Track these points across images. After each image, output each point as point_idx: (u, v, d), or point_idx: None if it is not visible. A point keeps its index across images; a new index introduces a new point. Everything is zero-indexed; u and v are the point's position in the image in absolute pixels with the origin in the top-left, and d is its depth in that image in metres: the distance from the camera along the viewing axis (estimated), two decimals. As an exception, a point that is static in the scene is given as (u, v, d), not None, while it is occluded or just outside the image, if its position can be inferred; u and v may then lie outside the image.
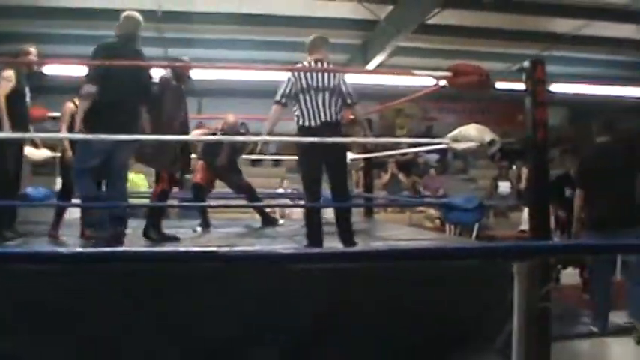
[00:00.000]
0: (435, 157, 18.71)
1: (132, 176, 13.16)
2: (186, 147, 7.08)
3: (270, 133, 6.57)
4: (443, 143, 6.45)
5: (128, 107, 6.02)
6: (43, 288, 4.29)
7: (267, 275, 4.38)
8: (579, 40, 15.40)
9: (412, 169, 18.04)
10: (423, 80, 10.29)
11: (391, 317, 4.76)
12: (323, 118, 6.09)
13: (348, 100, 6.22)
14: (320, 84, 6.12)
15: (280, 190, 13.34)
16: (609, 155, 6.82)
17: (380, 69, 15.99)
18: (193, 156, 8.17)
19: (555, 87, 16.47)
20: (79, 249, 5.34)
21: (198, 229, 8.08)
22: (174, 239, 6.85)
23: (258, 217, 9.05)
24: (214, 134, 8.62)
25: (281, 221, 9.44)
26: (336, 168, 6.30)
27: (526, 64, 5.57)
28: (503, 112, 19.93)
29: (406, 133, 20.03)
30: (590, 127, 7.31)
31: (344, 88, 6.20)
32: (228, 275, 4.43)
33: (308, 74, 6.18)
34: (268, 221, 8.96)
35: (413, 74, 6.91)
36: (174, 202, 11.77)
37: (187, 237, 7.32)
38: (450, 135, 6.17)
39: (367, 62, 15.49)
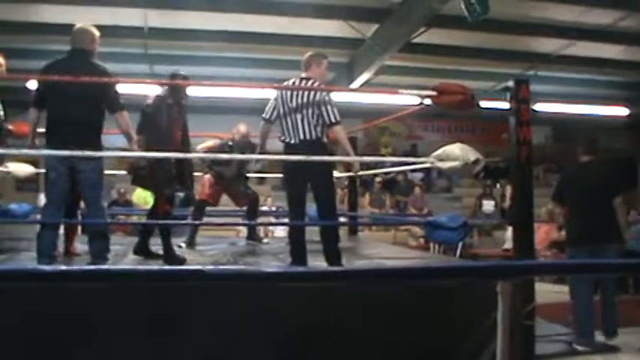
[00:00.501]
0: (419, 175, 18.75)
1: (139, 192, 13.32)
2: (187, 165, 6.90)
3: (262, 149, 6.63)
4: (427, 162, 6.47)
5: (76, 122, 5.73)
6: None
7: (252, 292, 4.38)
8: (563, 59, 15.50)
9: (396, 187, 18.07)
10: (408, 99, 10.36)
11: (374, 336, 4.75)
12: (302, 137, 6.08)
13: (327, 121, 6.13)
14: (301, 102, 6.11)
15: (265, 208, 13.31)
16: (588, 173, 7.02)
17: (365, 87, 16.02)
18: (198, 173, 8.14)
19: (539, 106, 16.55)
20: (62, 267, 5.32)
21: (183, 245, 8.04)
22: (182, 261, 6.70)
23: (242, 235, 9.01)
24: (227, 144, 8.56)
25: (265, 240, 9.42)
26: (321, 187, 6.28)
27: (510, 83, 5.62)
28: (488, 131, 20.05)
29: (391, 152, 20.08)
30: (574, 146, 7.43)
31: (325, 108, 6.12)
32: (214, 293, 4.43)
33: (292, 92, 6.19)
34: (254, 238, 8.95)
35: (398, 93, 6.92)
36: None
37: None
38: (434, 154, 6.18)
39: (353, 80, 15.51)
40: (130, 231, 12.43)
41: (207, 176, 8.68)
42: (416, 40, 13.52)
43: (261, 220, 11.09)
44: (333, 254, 6.08)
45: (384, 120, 10.94)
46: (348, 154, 6.45)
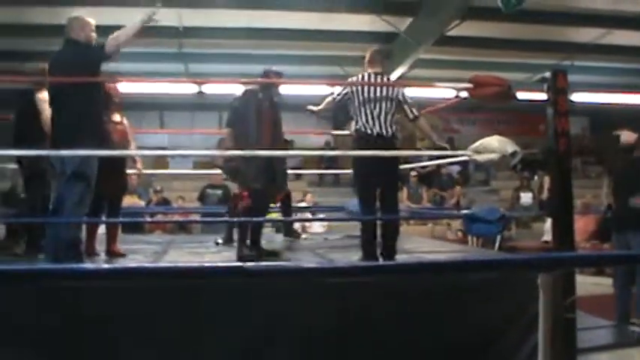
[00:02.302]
0: (456, 168, 18.64)
1: None
2: (278, 161, 6.87)
3: (319, 111, 6.76)
4: (465, 155, 6.43)
5: (61, 117, 5.65)
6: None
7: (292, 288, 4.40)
8: (600, 48, 15.35)
9: (434, 181, 17.98)
10: (444, 92, 10.31)
11: (415, 331, 4.74)
12: (380, 130, 6.08)
13: (410, 116, 6.28)
14: (380, 97, 6.13)
15: (303, 204, 13.30)
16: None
17: (401, 81, 15.98)
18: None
19: (576, 96, 16.39)
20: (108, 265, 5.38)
21: (220, 240, 8.06)
22: (274, 255, 6.69)
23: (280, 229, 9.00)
24: None
25: (304, 235, 9.42)
26: (394, 182, 6.34)
27: (548, 74, 5.55)
28: (525, 123, 19.88)
29: (427, 145, 19.99)
30: (613, 137, 7.41)
31: (406, 104, 6.25)
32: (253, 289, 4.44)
33: (368, 87, 6.20)
34: (292, 234, 8.94)
35: (434, 86, 6.90)
36: (197, 217, 11.87)
37: (210, 251, 7.31)
38: (471, 146, 6.14)
39: (388, 75, 15.49)
40: (169, 229, 12.52)
41: None
42: (450, 33, 13.49)
43: (298, 216, 11.11)
44: (394, 251, 6.11)
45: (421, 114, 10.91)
46: (435, 142, 6.59)
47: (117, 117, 6.87)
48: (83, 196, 5.59)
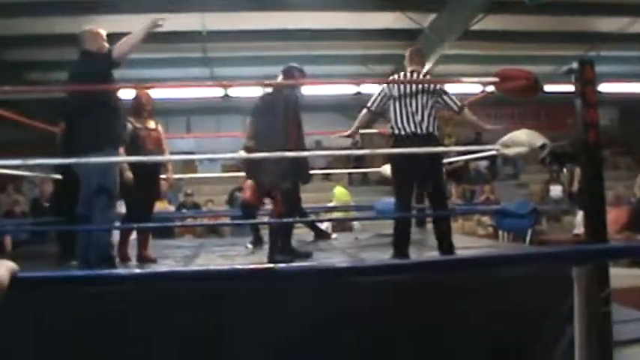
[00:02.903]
0: (484, 163, 18.57)
1: (337, 189, 13.92)
2: (304, 159, 6.88)
3: (353, 134, 6.77)
4: (493, 149, 6.40)
5: (79, 126, 5.80)
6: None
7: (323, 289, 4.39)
8: (625, 38, 15.21)
9: (462, 177, 17.93)
10: (470, 87, 10.26)
11: (447, 326, 4.73)
12: (422, 129, 6.05)
13: (455, 108, 6.27)
14: (420, 94, 6.11)
15: (332, 204, 13.30)
16: None
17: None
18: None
19: (603, 87, 16.27)
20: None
21: (250, 245, 8.08)
22: (306, 256, 6.68)
23: (311, 231, 9.01)
24: None
25: (334, 235, 9.41)
26: (440, 178, 6.34)
27: (575, 65, 5.51)
28: (552, 115, 19.77)
29: (455, 141, 19.92)
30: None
31: (447, 97, 6.23)
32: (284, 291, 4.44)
33: (404, 86, 6.18)
34: (321, 235, 8.94)
35: (460, 81, 6.86)
36: (227, 220, 11.92)
37: (240, 254, 7.33)
38: (500, 141, 6.11)
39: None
40: (198, 233, 12.59)
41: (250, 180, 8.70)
42: (474, 28, 13.44)
43: (328, 216, 11.12)
44: (451, 246, 6.13)
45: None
46: (486, 129, 6.76)
47: (151, 124, 6.92)
48: (110, 204, 5.68)
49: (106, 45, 5.90)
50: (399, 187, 6.34)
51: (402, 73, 6.40)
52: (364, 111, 6.43)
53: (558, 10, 13.06)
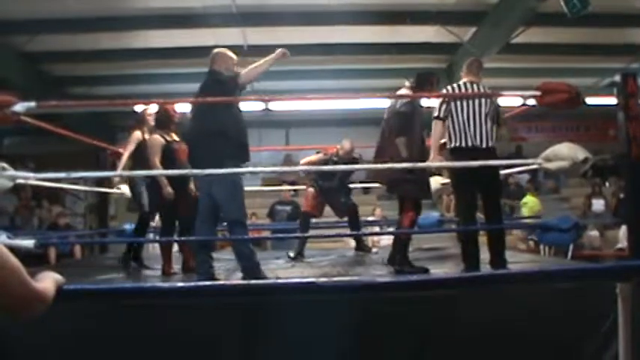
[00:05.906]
0: (525, 177, 18.44)
1: (527, 199, 14.89)
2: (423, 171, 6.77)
3: (436, 152, 6.48)
4: (535, 163, 6.37)
5: (203, 143, 5.98)
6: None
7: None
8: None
9: (505, 191, 17.80)
10: (511, 100, 10.22)
11: (491, 340, 4.70)
12: (488, 143, 6.10)
13: (501, 121, 6.36)
14: (483, 107, 6.16)
15: (372, 218, 13.30)
16: None
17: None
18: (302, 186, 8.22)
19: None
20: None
21: (292, 254, 8.12)
22: (424, 271, 6.48)
23: (350, 245, 9.04)
24: (330, 159, 8.66)
25: (374, 249, 9.42)
26: (499, 191, 6.44)
27: (617, 77, 5.47)
28: (593, 128, 19.62)
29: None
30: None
31: (499, 109, 6.32)
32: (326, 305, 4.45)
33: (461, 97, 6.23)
34: (362, 248, 8.96)
35: (502, 95, 6.83)
36: (268, 233, 11.98)
37: (282, 267, 7.34)
38: (542, 155, 6.08)
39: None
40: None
41: (311, 189, 8.76)
42: (515, 41, 13.37)
43: (367, 230, 11.11)
44: (504, 260, 6.13)
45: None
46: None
47: (174, 137, 7.00)
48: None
49: (236, 68, 6.34)
50: (462, 199, 6.37)
51: (461, 82, 6.40)
52: (435, 122, 6.31)
53: (600, 22, 12.94)
